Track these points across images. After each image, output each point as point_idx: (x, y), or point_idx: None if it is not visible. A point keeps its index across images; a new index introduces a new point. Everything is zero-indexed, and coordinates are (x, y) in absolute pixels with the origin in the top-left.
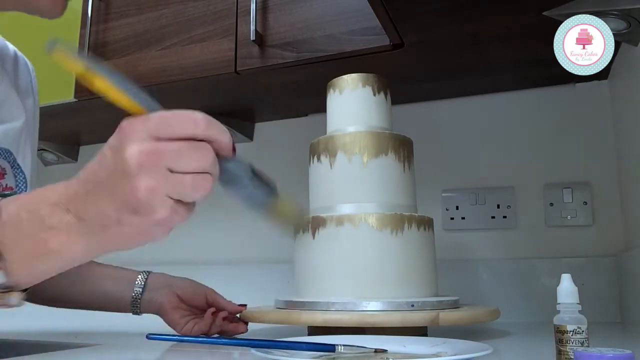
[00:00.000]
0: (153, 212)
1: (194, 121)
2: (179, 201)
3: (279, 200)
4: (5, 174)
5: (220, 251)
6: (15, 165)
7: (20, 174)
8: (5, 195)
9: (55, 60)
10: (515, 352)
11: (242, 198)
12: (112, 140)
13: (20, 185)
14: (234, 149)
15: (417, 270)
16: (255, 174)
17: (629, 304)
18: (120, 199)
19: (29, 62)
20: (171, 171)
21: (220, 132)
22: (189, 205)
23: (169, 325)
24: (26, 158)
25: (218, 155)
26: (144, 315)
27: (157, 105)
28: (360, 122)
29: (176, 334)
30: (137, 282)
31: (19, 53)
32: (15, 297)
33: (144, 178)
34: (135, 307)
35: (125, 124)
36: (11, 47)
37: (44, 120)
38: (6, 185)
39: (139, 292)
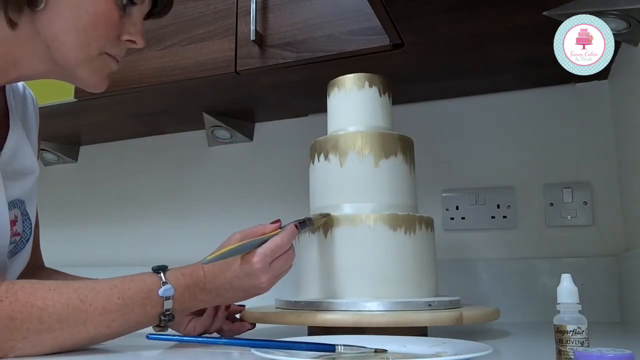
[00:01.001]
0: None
1: (284, 245)
2: None
3: (315, 222)
4: (17, 221)
5: None
6: (24, 213)
7: (27, 220)
8: (161, 270)
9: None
10: (515, 352)
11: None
12: (246, 270)
13: (26, 230)
14: (297, 227)
15: (418, 270)
16: (301, 223)
17: (629, 304)
18: (251, 293)
19: (33, 96)
20: (280, 273)
21: (294, 235)
22: None
23: (170, 327)
24: (33, 205)
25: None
26: None
27: (259, 240)
28: (363, 122)
29: (176, 334)
30: None
31: (28, 89)
32: (168, 328)
33: (268, 287)
34: None
35: (255, 263)
36: (20, 82)
37: (44, 121)
38: (16, 231)
39: None
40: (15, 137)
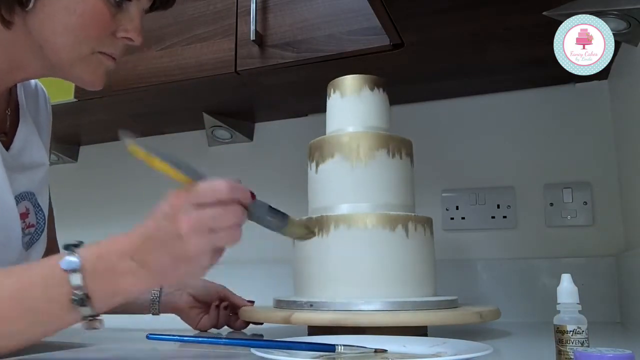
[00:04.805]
0: (200, 261)
1: (219, 189)
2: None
3: (290, 223)
4: (29, 213)
5: None
6: (36, 205)
7: (40, 212)
8: (73, 246)
9: (127, 149)
10: (515, 352)
11: (264, 226)
12: (163, 208)
13: (40, 222)
14: (253, 197)
15: (416, 270)
16: (271, 209)
17: (629, 304)
18: (176, 253)
19: (46, 92)
20: (212, 230)
21: (240, 192)
22: (222, 249)
23: (186, 322)
24: (45, 197)
25: (243, 205)
26: (144, 315)
27: (201, 174)
28: (360, 122)
29: (176, 334)
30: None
31: (39, 85)
32: (99, 322)
33: (193, 239)
34: (154, 308)
35: (173, 196)
36: (32, 80)
37: None
38: (29, 223)
39: (156, 295)
40: (24, 131)
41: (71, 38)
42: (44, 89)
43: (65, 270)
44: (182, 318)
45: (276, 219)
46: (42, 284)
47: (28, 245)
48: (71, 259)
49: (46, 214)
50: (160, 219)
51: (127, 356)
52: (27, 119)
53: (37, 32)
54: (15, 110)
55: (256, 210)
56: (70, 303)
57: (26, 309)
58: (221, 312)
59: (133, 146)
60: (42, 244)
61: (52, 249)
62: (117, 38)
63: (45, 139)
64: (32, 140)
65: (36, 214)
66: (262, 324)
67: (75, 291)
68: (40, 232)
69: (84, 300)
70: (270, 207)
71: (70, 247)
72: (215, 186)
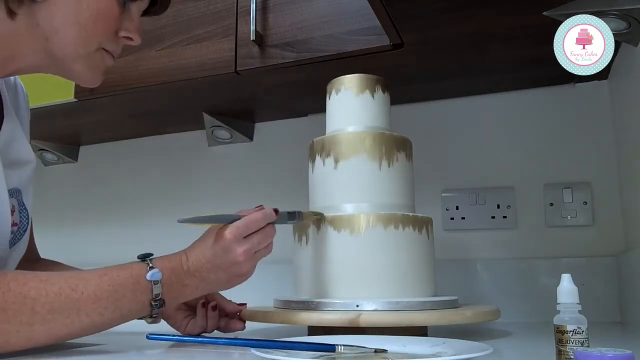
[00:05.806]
0: (248, 275)
1: (258, 220)
2: None
3: (305, 217)
4: (14, 211)
5: None
6: (21, 203)
7: (24, 211)
8: (145, 257)
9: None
10: (515, 352)
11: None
12: (221, 244)
13: (23, 221)
14: (277, 212)
15: (416, 270)
16: (290, 214)
17: (629, 304)
18: (232, 273)
19: (24, 88)
20: (257, 251)
21: (270, 217)
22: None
23: (172, 327)
24: (29, 196)
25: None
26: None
27: (235, 215)
28: (361, 122)
29: (176, 334)
30: None
31: (18, 80)
32: (159, 318)
33: (248, 262)
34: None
35: (227, 235)
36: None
37: (44, 121)
38: (13, 221)
39: None
40: (10, 126)
41: (82, 32)
42: (22, 83)
43: (149, 281)
44: (168, 323)
45: (294, 219)
46: (132, 289)
47: (10, 244)
48: (154, 272)
49: (30, 213)
50: (220, 252)
51: (127, 356)
52: (11, 114)
53: (46, 24)
54: (0, 104)
55: (280, 220)
56: (150, 306)
57: (118, 307)
58: (209, 314)
59: (188, 224)
60: (23, 243)
61: (30, 247)
62: (118, 37)
63: (27, 136)
64: (18, 135)
65: (20, 213)
66: (243, 328)
67: (156, 298)
68: (23, 231)
69: (161, 304)
70: (289, 212)
71: (147, 259)
72: (255, 219)
